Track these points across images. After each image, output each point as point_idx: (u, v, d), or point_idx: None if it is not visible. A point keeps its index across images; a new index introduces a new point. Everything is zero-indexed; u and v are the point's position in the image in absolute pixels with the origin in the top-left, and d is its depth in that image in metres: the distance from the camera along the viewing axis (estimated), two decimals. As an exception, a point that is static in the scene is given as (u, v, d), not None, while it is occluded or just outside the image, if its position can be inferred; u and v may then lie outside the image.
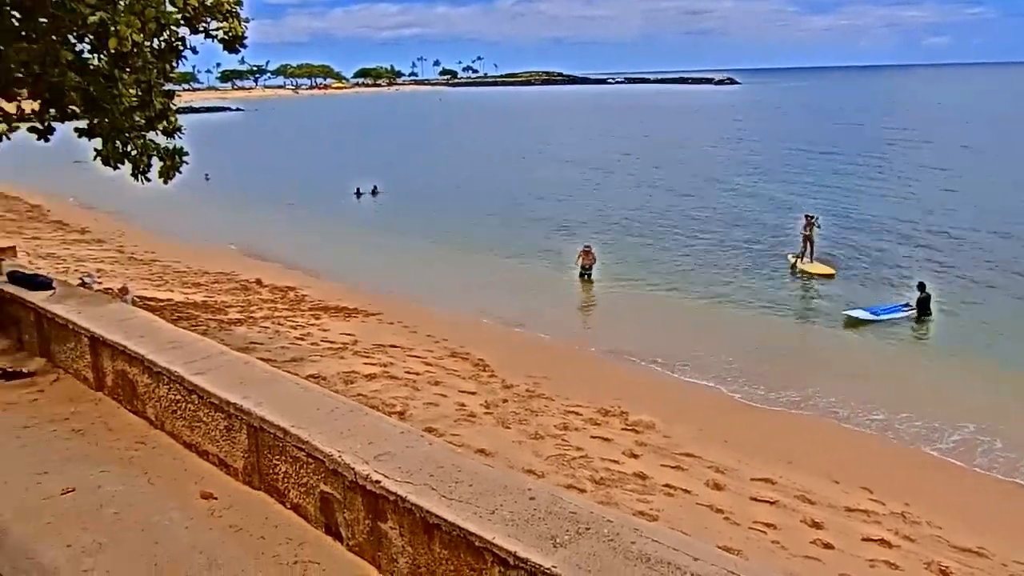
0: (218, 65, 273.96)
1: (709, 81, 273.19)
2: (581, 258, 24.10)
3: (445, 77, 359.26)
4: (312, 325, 17.58)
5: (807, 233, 24.90)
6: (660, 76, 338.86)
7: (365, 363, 14.70)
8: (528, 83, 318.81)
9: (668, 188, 43.22)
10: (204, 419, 6.32)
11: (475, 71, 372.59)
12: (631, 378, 15.97)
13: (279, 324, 17.06)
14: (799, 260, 25.01)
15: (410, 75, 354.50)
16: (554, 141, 75.73)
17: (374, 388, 13.13)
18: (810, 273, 24.32)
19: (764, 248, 28.31)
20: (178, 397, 6.62)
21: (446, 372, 15.15)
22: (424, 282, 23.89)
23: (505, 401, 13.45)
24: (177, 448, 6.68)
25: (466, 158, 63.16)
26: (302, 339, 16.06)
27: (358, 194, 42.27)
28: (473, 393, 13.74)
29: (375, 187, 42.73)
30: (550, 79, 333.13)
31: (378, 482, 4.68)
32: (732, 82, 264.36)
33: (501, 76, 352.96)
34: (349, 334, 17.10)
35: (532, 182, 46.69)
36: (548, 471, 10.26)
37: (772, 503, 10.38)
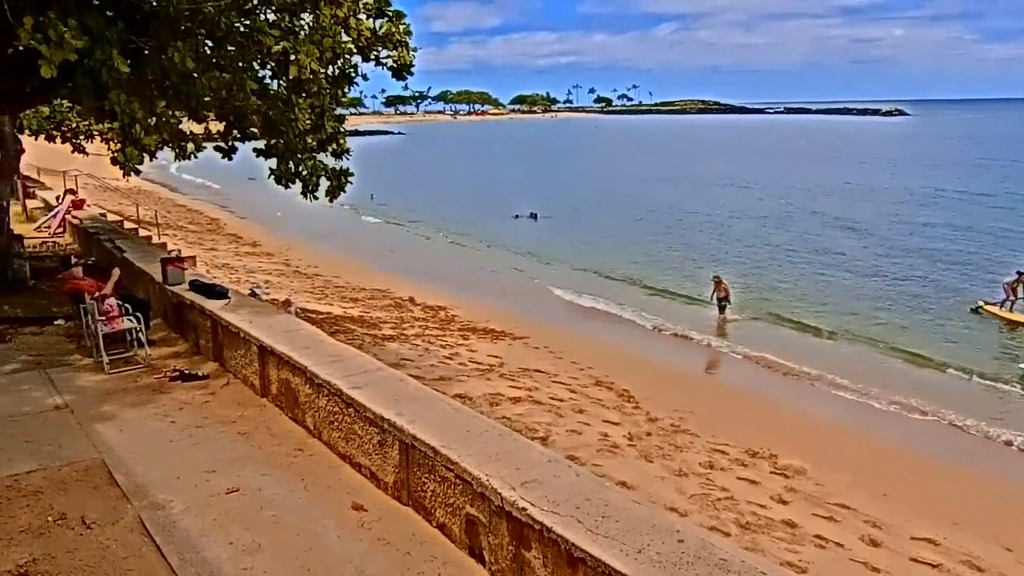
0: (383, 91, 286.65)
1: (876, 112, 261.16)
2: (715, 290, 23.46)
3: (600, 105, 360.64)
4: (461, 345, 17.92)
5: (1014, 285, 23.21)
6: (823, 106, 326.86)
7: (510, 386, 14.82)
8: (683, 111, 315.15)
9: (841, 222, 41.43)
10: (359, 432, 6.55)
11: (630, 99, 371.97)
12: (781, 420, 15.32)
13: (429, 342, 17.49)
14: (997, 307, 23.37)
15: (565, 102, 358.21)
16: (710, 169, 74.31)
17: (518, 412, 13.20)
18: (1005, 319, 22.68)
19: (947, 292, 26.58)
20: (336, 409, 6.89)
21: (590, 400, 15.05)
22: (571, 309, 23.93)
23: (649, 434, 13.20)
24: (332, 458, 6.94)
25: (620, 185, 62.99)
26: (451, 358, 16.39)
27: (516, 218, 42.87)
28: (616, 424, 13.57)
29: (535, 213, 43.19)
30: (706, 108, 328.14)
31: (524, 509, 4.68)
32: (900, 113, 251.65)
33: (656, 104, 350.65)
34: (496, 356, 17.30)
35: (687, 211, 46.03)
36: (691, 510, 9.96)
37: (934, 566, 9.64)
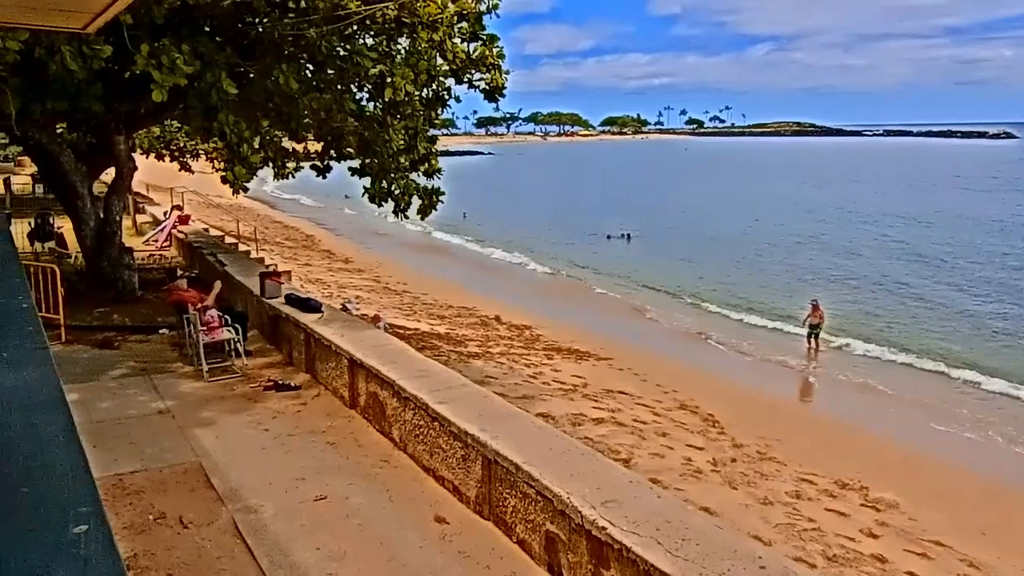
0: (475, 112, 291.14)
1: (982, 135, 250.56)
2: (810, 315, 22.80)
3: (691, 127, 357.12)
4: (545, 364, 17.97)
5: None
6: (925, 128, 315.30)
7: (593, 407, 14.79)
8: (778, 134, 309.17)
9: (940, 251, 39.92)
10: (443, 446, 6.68)
11: (722, 121, 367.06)
12: (873, 450, 14.81)
13: (514, 361, 17.61)
14: None
15: (656, 124, 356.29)
16: (803, 193, 72.63)
17: (601, 433, 13.16)
18: None
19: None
20: (421, 423, 7.05)
21: (674, 424, 14.88)
22: (658, 330, 23.73)
23: (734, 460, 12.97)
24: (416, 470, 7.10)
25: (711, 207, 62.18)
26: (534, 377, 16.46)
27: (609, 238, 42.79)
28: (701, 448, 13.38)
29: (628, 233, 43.00)
30: (801, 130, 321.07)
31: (604, 528, 4.71)
32: (1008, 136, 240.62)
33: (749, 126, 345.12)
34: (580, 376, 17.29)
35: (778, 234, 45.07)
36: (776, 540, 9.74)
37: (1037, 612, 9.17)
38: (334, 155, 16.33)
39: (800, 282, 31.39)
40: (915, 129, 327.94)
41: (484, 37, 14.81)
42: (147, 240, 22.46)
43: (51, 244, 18.77)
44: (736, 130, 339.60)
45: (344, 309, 15.73)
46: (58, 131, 15.11)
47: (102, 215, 14.46)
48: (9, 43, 8.73)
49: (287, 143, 17.97)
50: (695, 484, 11.45)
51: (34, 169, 30.88)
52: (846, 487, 12.53)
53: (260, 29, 12.87)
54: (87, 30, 6.80)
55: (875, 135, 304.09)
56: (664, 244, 41.83)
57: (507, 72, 15.15)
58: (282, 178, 18.84)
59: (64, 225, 18.26)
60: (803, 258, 37.40)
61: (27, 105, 11.36)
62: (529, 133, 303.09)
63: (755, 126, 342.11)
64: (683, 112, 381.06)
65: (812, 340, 22.43)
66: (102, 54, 10.05)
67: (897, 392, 18.75)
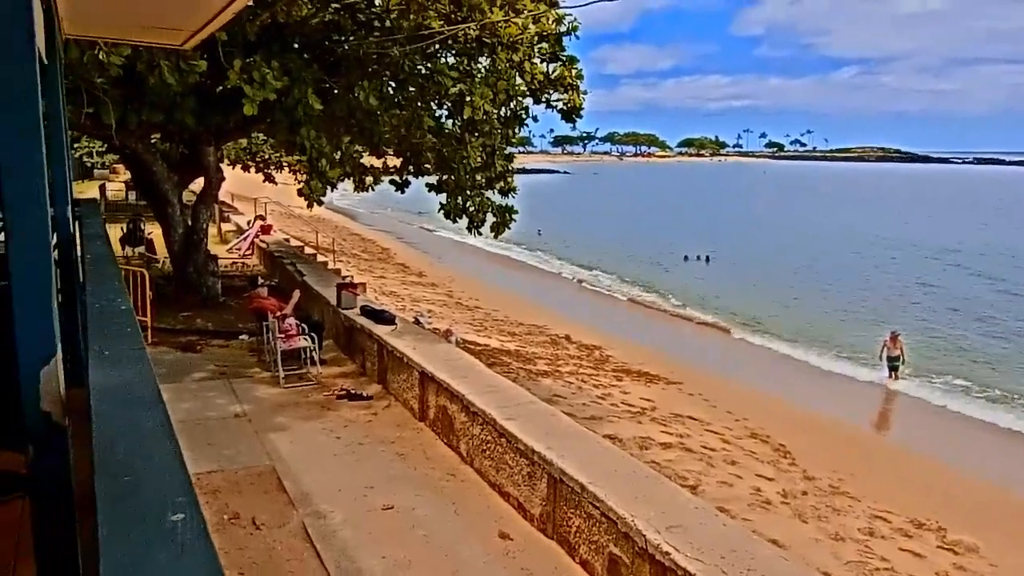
0: (551, 130, 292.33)
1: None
2: (887, 347, 22.07)
3: (771, 150, 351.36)
4: (613, 386, 17.87)
5: None
6: (1018, 158, 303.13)
7: (661, 431, 14.63)
8: (861, 159, 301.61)
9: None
10: (510, 463, 6.73)
11: (803, 144, 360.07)
12: (952, 489, 14.26)
13: (582, 381, 17.56)
14: None
15: (734, 146, 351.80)
16: (885, 222, 70.61)
17: (668, 457, 13.01)
18: None
19: None
20: (489, 438, 7.11)
21: (743, 452, 14.61)
22: (731, 356, 23.36)
23: (805, 493, 12.65)
24: (482, 485, 7.16)
25: (789, 233, 60.97)
26: (603, 398, 16.38)
27: (686, 259, 42.32)
28: (771, 479, 13.10)
29: (707, 255, 42.46)
30: (886, 156, 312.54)
31: (668, 553, 4.68)
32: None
33: (831, 151, 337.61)
34: (648, 399, 17.14)
35: (857, 264, 43.92)
36: (846, 577, 9.47)
37: None
38: (412, 171, 16.64)
39: (881, 314, 30.51)
40: (1007, 158, 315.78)
41: (564, 58, 14.94)
42: (230, 248, 23.22)
43: (141, 249, 19.58)
44: (818, 154, 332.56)
45: (416, 322, 15.95)
46: (152, 141, 15.79)
47: (190, 223, 15.03)
48: (113, 58, 9.20)
49: (367, 158, 18.41)
50: (763, 515, 11.22)
51: (127, 176, 32.29)
52: (922, 527, 12.11)
53: (346, 47, 13.25)
54: (185, 46, 7.13)
55: (964, 163, 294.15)
56: (742, 268, 41.14)
57: (585, 93, 15.24)
58: (362, 191, 19.27)
59: (153, 231, 19.02)
60: (885, 289, 36.33)
61: (125, 116, 11.91)
62: (605, 153, 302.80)
63: (838, 151, 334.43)
64: (763, 135, 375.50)
65: (892, 372, 21.76)
66: (197, 69, 10.49)
67: (977, 428, 18.05)
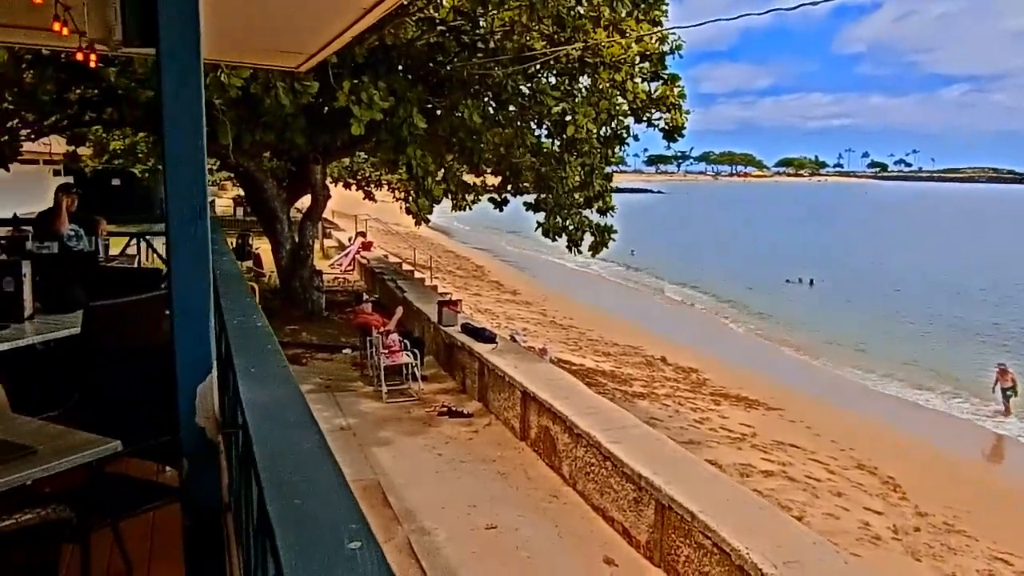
0: (645, 149, 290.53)
1: None
2: (998, 380, 20.92)
3: (874, 170, 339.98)
4: (711, 410, 17.48)
5: None
6: None
7: (763, 459, 14.21)
8: (971, 180, 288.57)
9: None
10: (614, 487, 6.63)
11: (908, 164, 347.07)
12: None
13: (679, 404, 17.25)
14: None
15: (835, 166, 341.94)
16: (996, 247, 67.22)
17: (770, 486, 12.62)
18: None
19: None
20: (593, 461, 7.03)
21: (849, 484, 14.04)
22: (836, 383, 22.56)
23: (917, 529, 12.06)
24: (585, 508, 7.07)
25: (893, 257, 58.68)
26: (700, 423, 16.04)
27: (788, 282, 41.14)
28: (880, 513, 12.54)
29: (811, 278, 41.21)
30: (998, 176, 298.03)
31: (787, 590, 4.50)
32: None
33: (938, 171, 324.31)
34: (748, 425, 16.69)
35: (966, 292, 41.85)
36: (966, 621, 8.96)
37: None
38: (511, 189, 16.76)
39: (987, 343, 28.97)
40: None
41: (665, 76, 14.82)
42: (332, 264, 23.83)
43: (249, 263, 20.28)
44: (924, 175, 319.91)
45: (512, 340, 15.99)
46: (262, 159, 16.37)
47: (297, 239, 15.50)
48: (233, 80, 9.58)
49: (467, 176, 18.64)
50: (873, 551, 10.75)
51: (234, 193, 33.60)
52: (1049, 572, 11.38)
53: (449, 68, 13.46)
54: (300, 69, 7.35)
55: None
56: (847, 292, 39.70)
57: (687, 112, 15.06)
58: (460, 209, 19.51)
59: (261, 246, 19.69)
60: (991, 321, 34.49)
61: (240, 135, 12.38)
62: (700, 172, 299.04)
63: (946, 171, 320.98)
64: (865, 154, 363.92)
65: (1006, 405, 20.65)
66: (310, 90, 10.83)
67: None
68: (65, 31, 3.63)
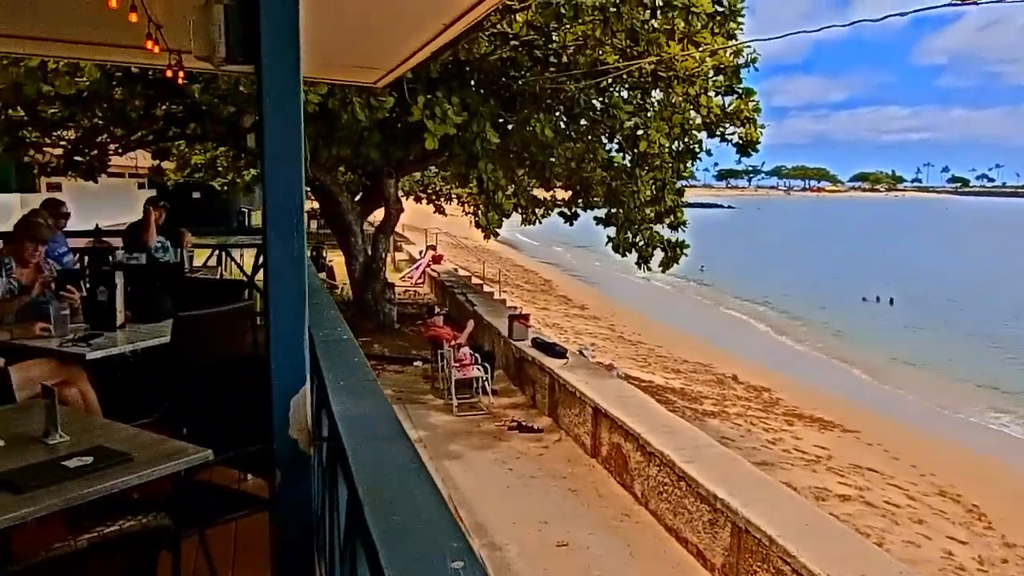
0: (716, 164, 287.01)
1: None
2: None
3: (954, 185, 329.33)
4: (784, 431, 17.08)
5: None
6: None
7: (839, 482, 13.80)
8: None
9: None
10: (688, 507, 6.51)
11: (990, 179, 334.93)
12: None
13: (751, 423, 16.90)
14: None
15: (913, 181, 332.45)
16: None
17: (846, 511, 12.23)
18: None
19: None
20: (666, 480, 6.91)
21: (931, 511, 13.53)
22: (917, 406, 21.82)
23: (1005, 561, 11.54)
24: (658, 529, 6.96)
25: (976, 277, 56.55)
26: (773, 443, 15.67)
27: (865, 300, 39.95)
28: (964, 543, 12.04)
29: (891, 297, 39.96)
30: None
31: (873, 621, 4.34)
32: None
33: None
34: (823, 447, 16.24)
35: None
36: (1060, 660, 8.51)
37: None
38: (581, 203, 16.71)
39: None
40: None
41: (740, 91, 14.61)
42: (403, 276, 24.12)
43: (323, 275, 20.67)
44: (1008, 190, 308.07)
45: (580, 355, 15.91)
46: (339, 174, 16.69)
47: (370, 251, 15.73)
48: (312, 96, 9.79)
49: (537, 191, 18.67)
50: (958, 581, 10.33)
51: (308, 206, 34.37)
52: None
53: (522, 82, 13.52)
54: (377, 84, 7.46)
55: None
56: (927, 312, 38.33)
57: (762, 127, 14.82)
58: (529, 223, 19.54)
59: (334, 258, 20.05)
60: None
61: (317, 150, 12.64)
62: (771, 187, 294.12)
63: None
64: (945, 169, 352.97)
65: None
66: (386, 105, 11.00)
67: None
68: (156, 49, 3.76)
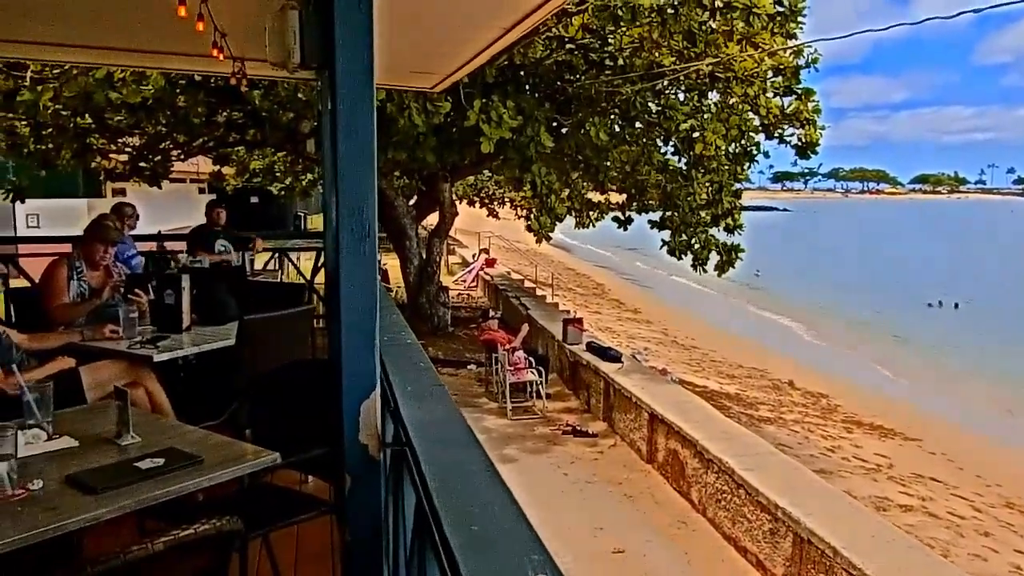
0: (771, 166, 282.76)
1: None
2: None
3: (1020, 187, 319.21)
4: (843, 438, 16.71)
5: None
6: None
7: (900, 492, 13.45)
8: None
9: None
10: (748, 516, 6.39)
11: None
12: None
13: (809, 431, 16.57)
14: None
15: (977, 183, 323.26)
16: None
17: (909, 522, 11.91)
18: None
19: None
20: (724, 488, 6.80)
21: (997, 523, 13.10)
22: (983, 414, 21.18)
23: (1078, 578, 11.12)
24: (716, 537, 6.85)
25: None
26: (832, 451, 15.35)
27: (930, 306, 38.84)
28: (1034, 557, 11.64)
29: (955, 301, 38.84)
30: None
31: (945, 638, 4.20)
32: None
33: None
34: (883, 456, 15.85)
35: None
36: None
37: None
38: (635, 207, 16.58)
39: None
40: None
41: (799, 91, 14.35)
42: (456, 280, 24.23)
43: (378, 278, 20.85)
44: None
45: (634, 360, 15.79)
46: (394, 178, 16.83)
47: (424, 255, 15.82)
48: (370, 101, 9.88)
49: (591, 194, 18.58)
50: (1028, 598, 9.98)
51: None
52: None
53: (577, 86, 13.47)
54: (435, 89, 7.50)
55: None
56: (995, 317, 37.10)
57: (822, 128, 14.55)
58: (583, 227, 19.46)
59: (388, 262, 20.21)
60: None
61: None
62: (828, 190, 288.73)
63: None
64: (1011, 170, 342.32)
65: None
66: (442, 110, 11.05)
67: None
68: (221, 57, 3.82)
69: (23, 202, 14.88)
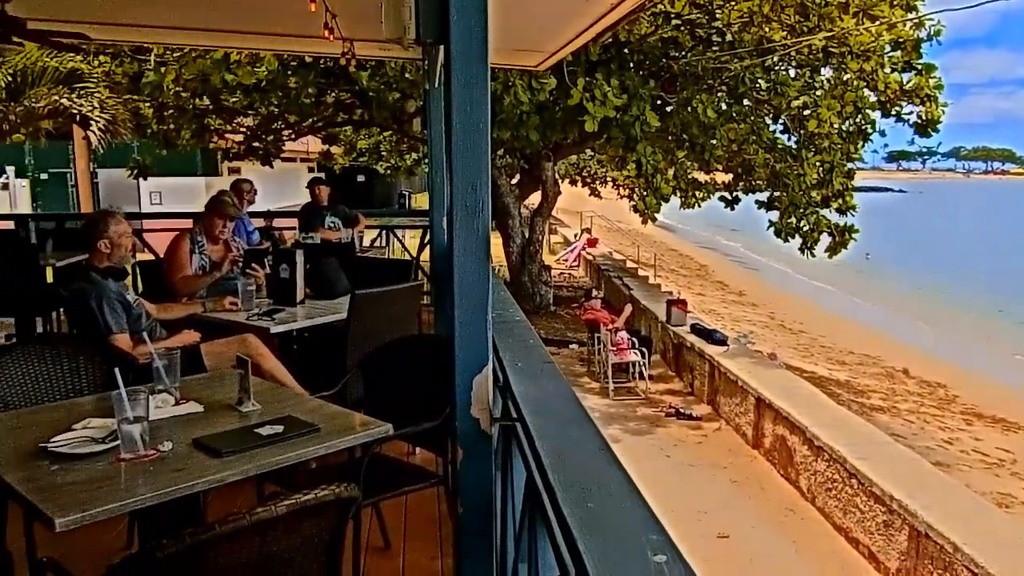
0: (885, 145, 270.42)
1: None
2: None
3: None
4: (962, 430, 15.93)
5: None
6: None
7: (1024, 489, 12.75)
8: None
9: None
10: (860, 507, 6.17)
11: None
12: None
13: (925, 421, 15.88)
14: None
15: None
16: None
17: (1035, 521, 11.29)
18: None
19: None
20: (836, 477, 6.59)
21: None
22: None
23: None
24: (825, 526, 6.65)
25: None
26: (949, 443, 14.66)
27: None
28: None
29: None
30: None
31: (1076, 643, 3.96)
32: None
33: None
34: (1006, 450, 15.03)
35: None
36: None
37: None
38: (743, 187, 16.15)
39: None
40: None
41: (919, 66, 13.63)
42: (558, 259, 24.22)
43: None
44: None
45: (739, 343, 15.46)
46: (497, 157, 16.89)
47: (527, 234, 15.86)
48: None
49: (696, 173, 18.19)
50: None
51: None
52: None
53: (683, 63, 13.17)
54: (539, 68, 7.45)
55: None
56: None
57: (944, 105, 13.79)
58: (689, 207, 19.09)
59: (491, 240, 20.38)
60: None
61: (477, 133, 12.80)
62: (948, 170, 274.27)
63: None
64: None
65: None
66: (547, 87, 11.00)
67: None
68: (331, 37, 3.90)
69: (146, 179, 15.66)
